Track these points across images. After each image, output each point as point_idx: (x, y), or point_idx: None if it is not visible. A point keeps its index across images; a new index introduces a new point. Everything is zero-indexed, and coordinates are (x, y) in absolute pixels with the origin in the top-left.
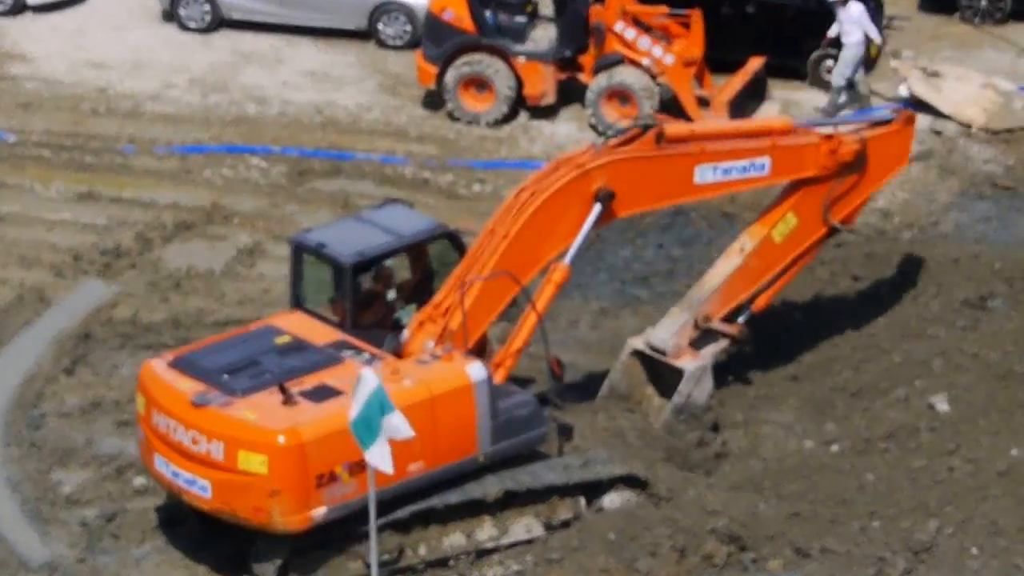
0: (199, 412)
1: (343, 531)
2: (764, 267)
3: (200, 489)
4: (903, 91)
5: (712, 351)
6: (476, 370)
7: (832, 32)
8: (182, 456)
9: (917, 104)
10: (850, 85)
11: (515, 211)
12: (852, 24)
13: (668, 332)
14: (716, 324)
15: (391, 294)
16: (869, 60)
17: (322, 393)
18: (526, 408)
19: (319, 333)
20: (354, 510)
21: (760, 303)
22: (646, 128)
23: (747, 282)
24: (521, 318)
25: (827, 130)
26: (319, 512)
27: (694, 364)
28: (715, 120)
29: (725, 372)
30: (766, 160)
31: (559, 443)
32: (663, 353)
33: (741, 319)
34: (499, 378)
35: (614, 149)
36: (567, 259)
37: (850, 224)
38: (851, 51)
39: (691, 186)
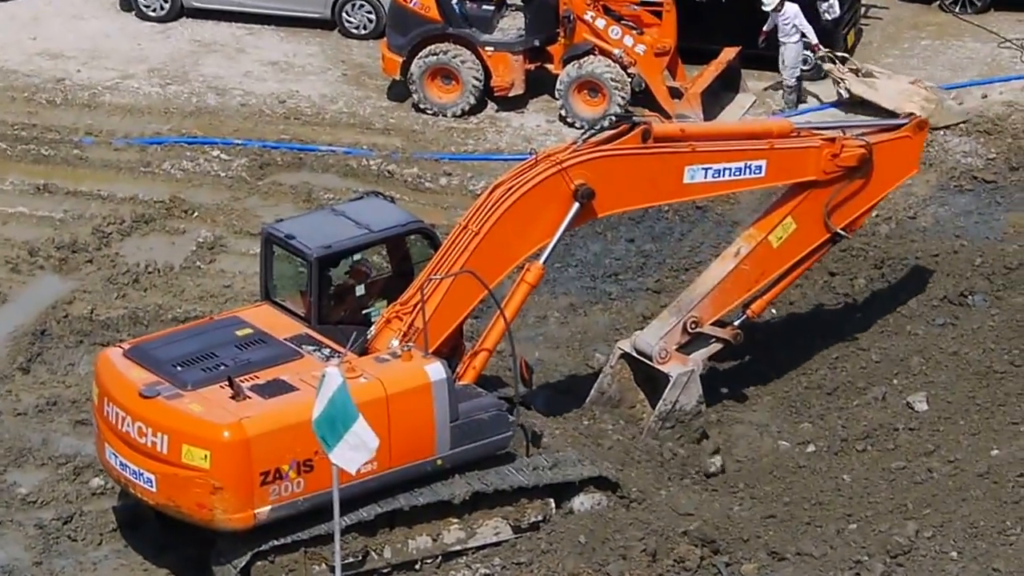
0: (146, 403)
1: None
2: (760, 272)
3: (146, 482)
4: (842, 92)
5: (702, 356)
6: (435, 370)
7: (767, 26)
8: (129, 448)
9: (857, 105)
10: (798, 84)
11: (489, 207)
12: (788, 25)
13: (655, 336)
14: (707, 328)
15: (360, 289)
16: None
17: (274, 388)
18: (489, 411)
19: (283, 327)
20: (301, 510)
21: (756, 307)
22: (634, 125)
23: (740, 287)
24: (492, 318)
25: (832, 133)
26: (263, 511)
27: (680, 370)
28: (711, 121)
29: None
30: (762, 162)
31: (526, 446)
32: (649, 358)
33: (737, 323)
34: (468, 379)
35: (596, 146)
36: (542, 259)
37: (854, 231)
38: (792, 50)
39: (680, 186)
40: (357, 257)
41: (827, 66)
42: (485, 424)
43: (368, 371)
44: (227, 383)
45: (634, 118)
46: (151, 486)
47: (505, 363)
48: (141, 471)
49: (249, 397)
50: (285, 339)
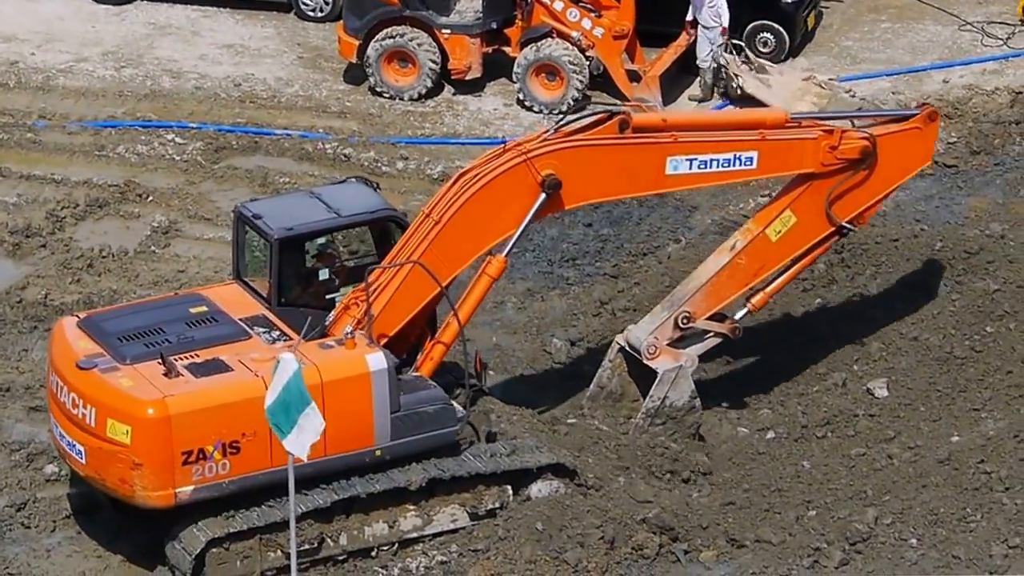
0: (82, 375)
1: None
2: (757, 266)
3: (77, 454)
4: (735, 88)
5: (696, 351)
6: (376, 359)
7: (689, 16)
8: (66, 418)
9: (748, 101)
10: (717, 69)
11: (452, 195)
12: (714, 11)
13: (645, 331)
14: (701, 323)
15: (324, 274)
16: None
17: (210, 367)
18: (434, 405)
19: (244, 306)
20: (226, 492)
21: (758, 302)
22: (612, 116)
23: (737, 281)
24: (450, 311)
25: (832, 124)
26: (185, 491)
27: (668, 365)
28: (700, 110)
29: None
30: (753, 154)
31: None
32: (638, 352)
33: (738, 315)
34: (425, 370)
35: (568, 135)
36: (504, 251)
37: (862, 224)
38: (713, 34)
39: (662, 177)
40: (321, 241)
41: (724, 59)
42: (429, 417)
43: (308, 357)
44: (160, 360)
45: (612, 108)
46: (81, 458)
47: (488, 356)
48: (74, 442)
49: (181, 375)
50: (240, 319)
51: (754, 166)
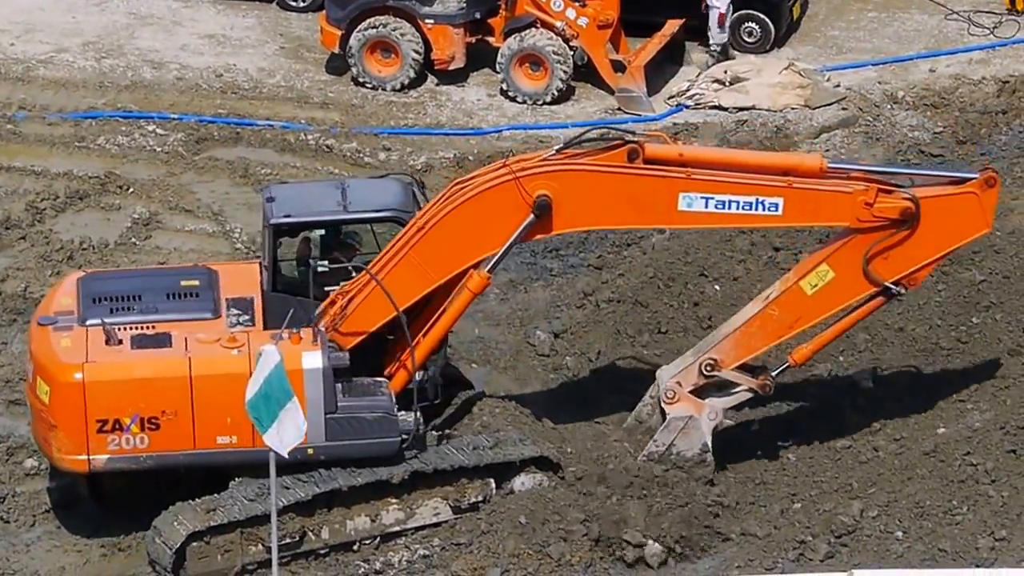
0: (37, 331)
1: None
2: (791, 319)
3: (27, 411)
4: (715, 103)
5: (723, 404)
6: (311, 358)
7: None
8: (28, 372)
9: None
10: (724, 49)
11: (440, 204)
12: None
13: (670, 372)
14: (727, 373)
15: (322, 266)
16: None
17: (151, 341)
18: (375, 413)
19: (241, 287)
20: (144, 467)
21: (798, 356)
22: (625, 143)
23: (767, 333)
24: (430, 321)
25: (863, 183)
26: (99, 459)
27: (676, 412)
28: (726, 149)
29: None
30: (779, 200)
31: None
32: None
33: (775, 372)
34: (397, 380)
35: (571, 157)
36: (487, 267)
37: (913, 287)
38: (717, 13)
39: (674, 213)
40: (322, 232)
41: (697, 87)
42: (368, 424)
43: (247, 346)
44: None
45: (627, 136)
46: (28, 416)
47: (471, 349)
48: (28, 398)
49: (119, 343)
50: (227, 298)
51: (779, 212)
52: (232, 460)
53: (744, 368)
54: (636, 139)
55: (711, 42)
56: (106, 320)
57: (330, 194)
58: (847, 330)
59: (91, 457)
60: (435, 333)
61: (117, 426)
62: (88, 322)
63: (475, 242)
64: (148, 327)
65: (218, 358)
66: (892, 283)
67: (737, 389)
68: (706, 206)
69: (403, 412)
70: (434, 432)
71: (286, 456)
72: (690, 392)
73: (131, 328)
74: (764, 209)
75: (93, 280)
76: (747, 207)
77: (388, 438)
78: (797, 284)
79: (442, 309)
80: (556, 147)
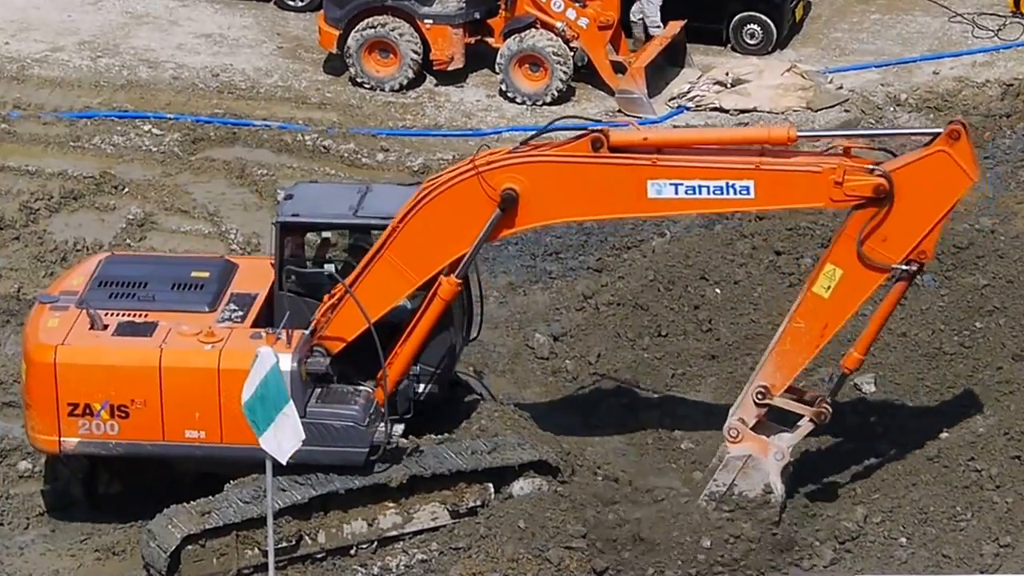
0: (37, 309)
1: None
2: (819, 327)
3: (20, 412)
4: (716, 105)
5: (788, 442)
6: (281, 361)
7: None
8: None
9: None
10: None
11: (411, 203)
12: None
13: (732, 410)
14: (780, 400)
15: (328, 268)
16: None
17: (134, 329)
18: (343, 422)
19: (253, 283)
20: (114, 453)
21: (848, 363)
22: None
23: (803, 346)
24: (407, 329)
25: (836, 159)
26: (70, 441)
27: (735, 450)
28: (692, 128)
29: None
30: (749, 183)
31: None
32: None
33: (829, 392)
34: (379, 394)
35: (535, 149)
36: (458, 272)
37: (925, 260)
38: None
39: (644, 201)
40: (327, 235)
41: (698, 89)
42: (334, 432)
43: (223, 342)
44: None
45: (590, 126)
46: (22, 417)
47: (469, 352)
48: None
49: (103, 329)
50: (233, 292)
51: (751, 196)
52: (200, 455)
53: (799, 398)
54: (600, 127)
55: (648, 26)
56: (104, 305)
57: (348, 197)
58: (885, 323)
59: (62, 439)
60: (411, 344)
61: (88, 411)
62: (84, 305)
63: (447, 240)
64: (141, 315)
65: (189, 351)
66: (903, 264)
67: (800, 423)
68: (676, 192)
69: (394, 423)
70: (406, 440)
71: (284, 462)
72: (752, 429)
73: (124, 315)
74: (736, 193)
75: (111, 263)
76: (718, 191)
77: (355, 448)
78: (811, 291)
79: (416, 319)
80: (524, 140)
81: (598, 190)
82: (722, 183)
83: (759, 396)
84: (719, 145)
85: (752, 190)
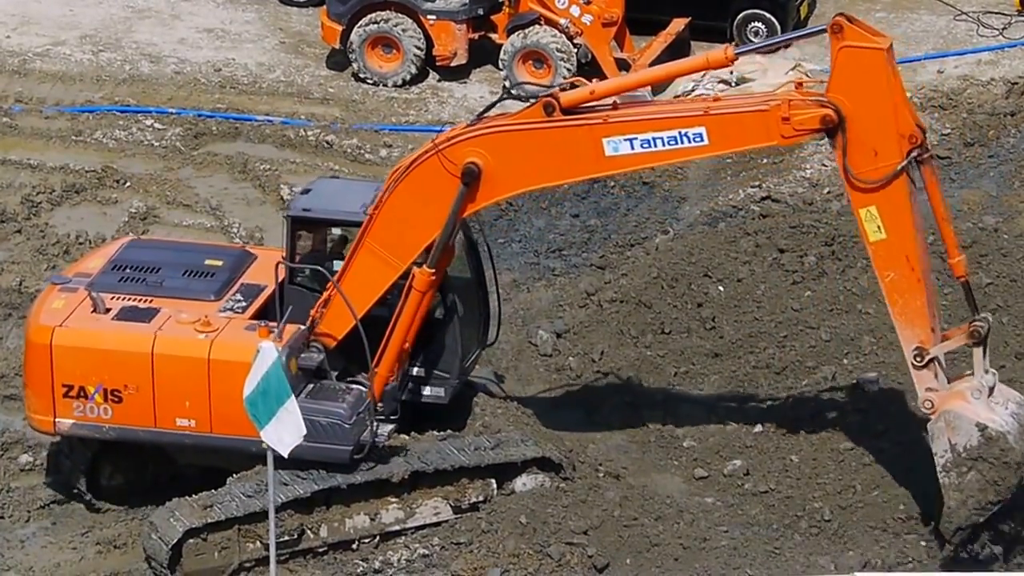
0: (47, 289)
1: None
2: (904, 265)
3: (21, 405)
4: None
5: (978, 376)
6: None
7: None
8: None
9: None
10: None
11: (382, 190)
12: None
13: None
14: (937, 349)
15: (337, 264)
16: None
17: (135, 314)
18: (329, 419)
19: (265, 275)
20: (107, 437)
21: (957, 270)
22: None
23: (908, 291)
24: (391, 323)
25: (781, 93)
26: (64, 423)
27: (934, 418)
28: (629, 74)
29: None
30: (701, 130)
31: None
32: None
33: (973, 317)
34: (374, 388)
35: (489, 121)
36: (429, 262)
37: (919, 137)
38: None
39: (603, 160)
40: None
41: (702, 87)
42: (320, 428)
43: (217, 332)
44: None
45: (540, 92)
46: (23, 410)
47: (494, 351)
48: None
49: (104, 312)
50: (242, 283)
51: (705, 142)
52: (190, 444)
53: (951, 336)
54: (549, 93)
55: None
56: (113, 289)
57: (363, 194)
58: (948, 213)
59: (57, 420)
60: (394, 341)
61: (82, 393)
62: (93, 287)
63: (420, 222)
64: (147, 300)
65: (182, 339)
66: (906, 159)
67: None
68: (632, 147)
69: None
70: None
71: (286, 456)
72: (936, 391)
73: (131, 299)
74: (690, 141)
75: (131, 247)
76: (672, 142)
77: (339, 446)
78: (870, 242)
79: (396, 315)
80: (478, 114)
81: (556, 154)
82: (675, 133)
83: (917, 359)
84: (666, 79)
85: (705, 136)
